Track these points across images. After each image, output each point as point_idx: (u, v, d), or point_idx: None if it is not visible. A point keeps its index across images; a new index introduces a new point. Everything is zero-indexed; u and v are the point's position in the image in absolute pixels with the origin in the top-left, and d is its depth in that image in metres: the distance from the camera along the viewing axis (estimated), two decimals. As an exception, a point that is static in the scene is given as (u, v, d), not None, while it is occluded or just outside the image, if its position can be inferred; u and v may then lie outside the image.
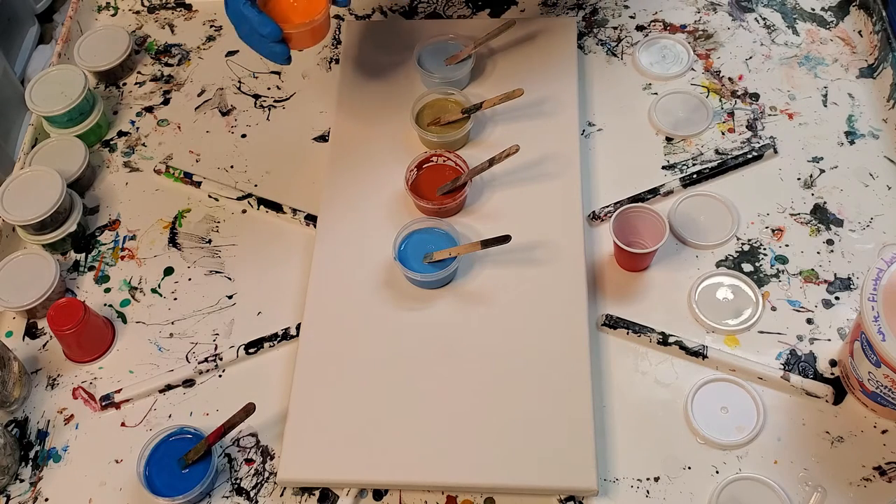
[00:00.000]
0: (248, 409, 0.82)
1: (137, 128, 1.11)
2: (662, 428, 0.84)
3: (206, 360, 0.90)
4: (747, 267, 0.92)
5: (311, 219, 0.99)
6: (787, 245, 0.93)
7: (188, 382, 0.90)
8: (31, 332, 0.96)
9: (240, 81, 1.13)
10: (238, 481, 0.84)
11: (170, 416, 0.88)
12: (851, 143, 1.00)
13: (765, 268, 0.92)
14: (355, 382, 0.86)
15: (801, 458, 0.81)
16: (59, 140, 1.05)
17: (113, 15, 1.23)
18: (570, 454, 0.80)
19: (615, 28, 1.13)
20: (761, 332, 0.88)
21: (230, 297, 0.95)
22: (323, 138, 1.07)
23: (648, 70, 1.08)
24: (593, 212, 0.97)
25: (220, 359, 0.91)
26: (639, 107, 1.05)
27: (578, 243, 0.92)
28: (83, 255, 1.01)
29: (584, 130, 1.04)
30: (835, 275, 0.91)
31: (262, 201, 1.01)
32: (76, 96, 1.05)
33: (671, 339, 0.87)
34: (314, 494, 0.83)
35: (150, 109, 1.12)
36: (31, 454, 0.87)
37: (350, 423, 0.84)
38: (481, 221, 0.95)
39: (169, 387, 0.90)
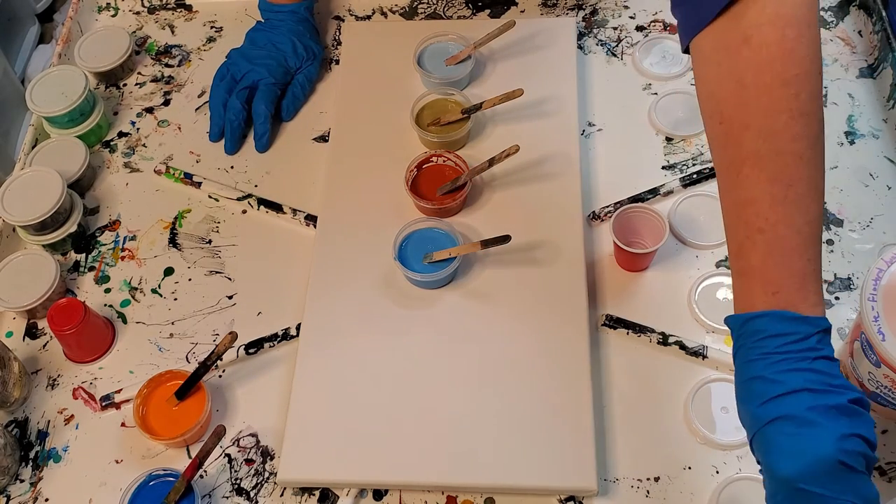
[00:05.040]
0: (220, 433, 0.81)
1: (138, 128, 1.11)
2: (662, 428, 0.84)
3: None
4: (747, 267, 0.92)
5: (311, 219, 0.99)
6: (787, 245, 0.93)
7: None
8: (32, 332, 0.96)
9: (240, 82, 1.13)
10: (238, 481, 0.84)
11: (170, 417, 0.88)
12: (851, 143, 1.00)
13: (765, 268, 0.92)
14: (355, 382, 0.86)
15: (801, 458, 0.80)
16: (60, 140, 1.05)
17: (113, 15, 1.23)
18: (570, 454, 0.80)
19: (615, 28, 1.13)
20: (761, 332, 0.88)
21: (230, 298, 0.95)
22: (323, 138, 1.07)
23: (648, 70, 1.08)
24: (593, 212, 0.97)
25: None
26: (639, 107, 1.05)
27: (578, 243, 0.92)
28: (83, 255, 1.01)
29: (584, 130, 1.04)
30: (835, 275, 0.91)
31: (262, 201, 1.01)
32: (77, 97, 1.05)
33: (671, 339, 0.87)
34: (314, 494, 0.83)
35: (150, 110, 1.12)
36: (32, 454, 0.87)
37: (350, 423, 0.84)
38: (481, 221, 0.95)
39: (169, 387, 0.90)
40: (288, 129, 1.08)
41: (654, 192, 0.97)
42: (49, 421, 0.89)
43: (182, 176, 1.04)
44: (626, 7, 1.15)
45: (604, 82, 1.08)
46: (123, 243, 1.01)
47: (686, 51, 0.71)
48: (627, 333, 0.89)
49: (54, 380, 0.92)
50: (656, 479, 0.81)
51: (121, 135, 1.10)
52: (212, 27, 1.20)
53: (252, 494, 0.83)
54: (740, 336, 0.62)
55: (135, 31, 1.20)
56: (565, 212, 0.95)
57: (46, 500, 0.85)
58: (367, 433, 0.83)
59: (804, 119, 0.62)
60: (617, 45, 1.11)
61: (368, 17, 1.18)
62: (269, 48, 1.08)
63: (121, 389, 0.90)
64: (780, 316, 0.60)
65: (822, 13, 1.12)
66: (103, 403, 0.89)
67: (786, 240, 0.61)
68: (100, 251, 1.01)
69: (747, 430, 0.62)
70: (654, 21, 1.13)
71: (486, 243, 0.89)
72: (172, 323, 0.94)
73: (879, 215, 0.95)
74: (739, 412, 0.63)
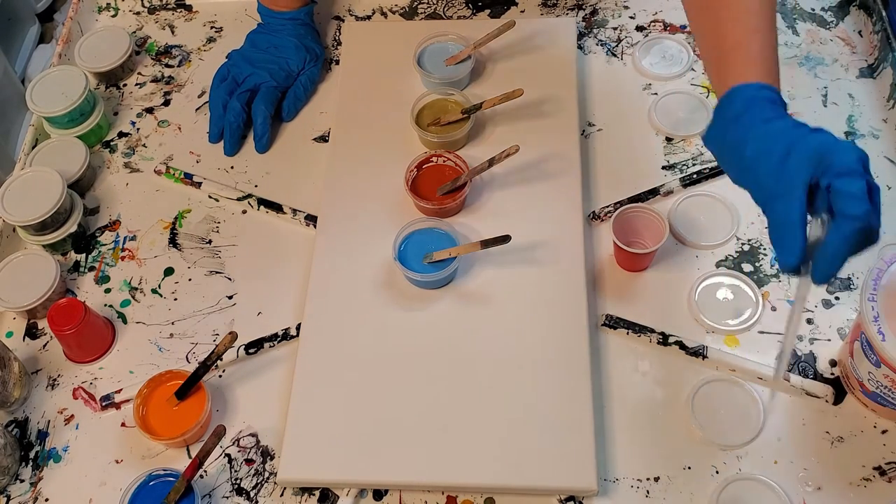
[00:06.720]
0: (220, 433, 0.81)
1: (138, 129, 1.11)
2: (662, 428, 0.84)
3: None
4: (747, 267, 0.92)
5: (311, 219, 0.99)
6: (787, 245, 0.93)
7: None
8: (32, 332, 0.96)
9: (240, 82, 1.13)
10: (238, 481, 0.84)
11: (170, 417, 0.88)
12: (851, 143, 1.00)
13: (765, 268, 0.92)
14: (355, 382, 0.86)
15: (801, 458, 0.81)
16: (60, 140, 1.06)
17: (113, 16, 1.23)
18: (570, 454, 0.80)
19: (615, 28, 1.13)
20: (761, 332, 0.88)
21: (230, 298, 0.96)
22: (323, 139, 1.07)
23: (648, 70, 1.08)
24: (593, 212, 0.97)
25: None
26: (639, 107, 1.05)
27: (578, 243, 0.92)
28: (83, 255, 1.01)
29: (584, 130, 1.04)
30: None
31: (262, 201, 1.01)
32: (77, 97, 1.05)
33: (671, 339, 0.87)
34: (314, 494, 0.83)
35: (150, 110, 1.12)
36: (32, 454, 0.87)
37: (350, 423, 0.84)
38: (481, 221, 0.95)
39: (169, 387, 0.90)
40: (288, 130, 1.08)
41: (654, 192, 0.97)
42: (49, 421, 0.89)
43: (182, 176, 1.04)
44: (626, 7, 1.15)
45: (604, 82, 1.08)
46: (123, 243, 1.01)
47: None
48: (627, 333, 0.89)
49: (54, 380, 0.92)
50: (656, 479, 0.81)
51: (121, 135, 1.10)
52: (212, 27, 1.20)
53: (252, 494, 0.83)
54: (752, 104, 0.69)
55: (135, 32, 1.20)
56: (565, 212, 0.95)
57: (46, 500, 0.85)
58: (367, 433, 0.83)
59: None
60: (617, 45, 1.11)
61: (368, 18, 1.18)
62: (271, 51, 1.08)
63: (121, 389, 0.90)
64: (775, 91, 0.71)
65: (822, 13, 1.12)
66: (103, 403, 0.89)
67: (768, 40, 0.75)
68: (100, 251, 1.01)
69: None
70: (654, 21, 1.13)
71: (486, 243, 0.89)
72: (172, 323, 0.94)
73: (879, 215, 0.94)
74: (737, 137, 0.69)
